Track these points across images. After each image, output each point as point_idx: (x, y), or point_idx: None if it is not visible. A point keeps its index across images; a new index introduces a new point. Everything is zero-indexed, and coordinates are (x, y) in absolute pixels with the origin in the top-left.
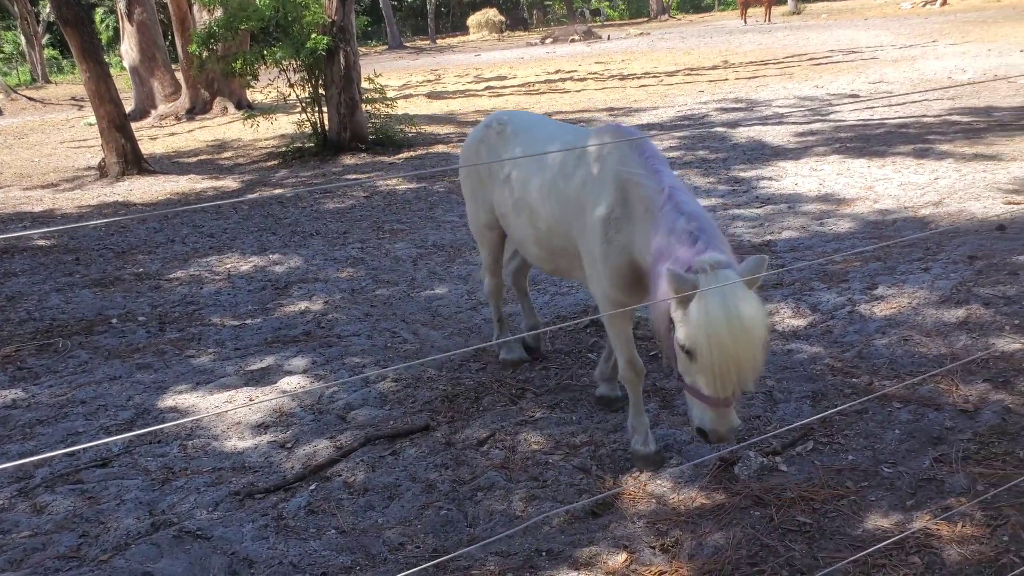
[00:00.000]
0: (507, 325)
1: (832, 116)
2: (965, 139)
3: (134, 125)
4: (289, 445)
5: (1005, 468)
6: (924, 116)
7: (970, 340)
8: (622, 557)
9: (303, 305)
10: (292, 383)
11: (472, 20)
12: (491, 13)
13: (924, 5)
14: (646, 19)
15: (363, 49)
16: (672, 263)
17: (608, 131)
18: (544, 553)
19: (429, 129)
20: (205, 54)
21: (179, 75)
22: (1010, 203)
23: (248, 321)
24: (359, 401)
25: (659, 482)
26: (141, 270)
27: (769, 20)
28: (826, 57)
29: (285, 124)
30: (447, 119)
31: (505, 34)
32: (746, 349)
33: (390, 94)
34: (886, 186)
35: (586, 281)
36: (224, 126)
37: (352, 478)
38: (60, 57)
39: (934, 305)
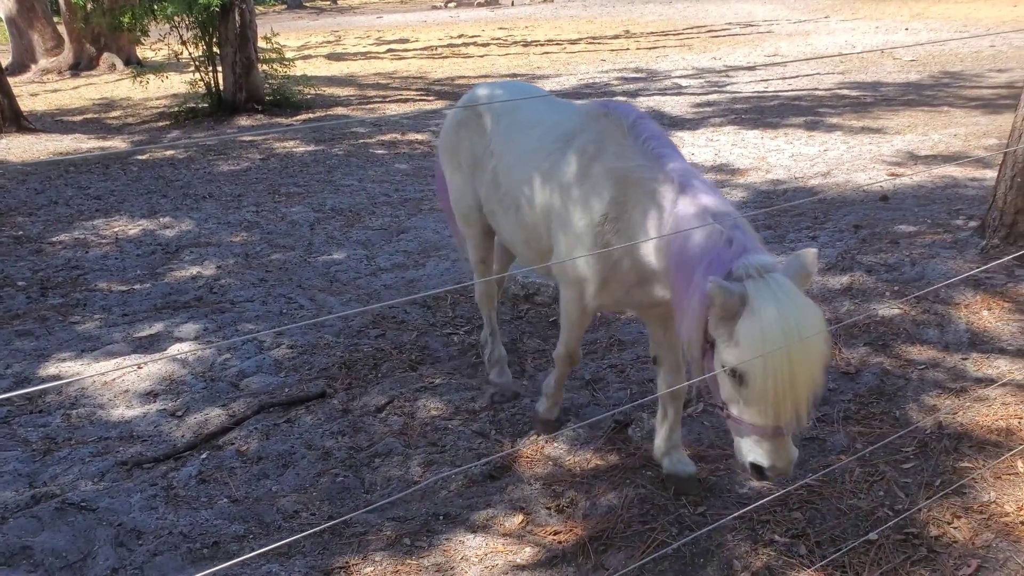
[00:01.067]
0: (500, 340)
1: (728, 88)
2: (853, 112)
3: (12, 80)
4: (180, 413)
5: (882, 427)
6: (816, 89)
7: (853, 305)
8: (518, 519)
9: (195, 270)
10: (183, 350)
11: None
12: None
13: None
14: None
15: (260, 8)
16: (707, 268)
17: (602, 111)
18: (442, 517)
19: (329, 91)
20: (90, 6)
21: (62, 28)
22: (893, 174)
23: (137, 286)
24: (253, 368)
25: (556, 445)
26: (21, 233)
27: None
28: (724, 29)
29: (177, 83)
30: (347, 81)
31: None
32: (806, 369)
33: (288, 55)
34: (778, 157)
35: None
36: (112, 84)
37: (245, 446)
38: None
39: (820, 272)
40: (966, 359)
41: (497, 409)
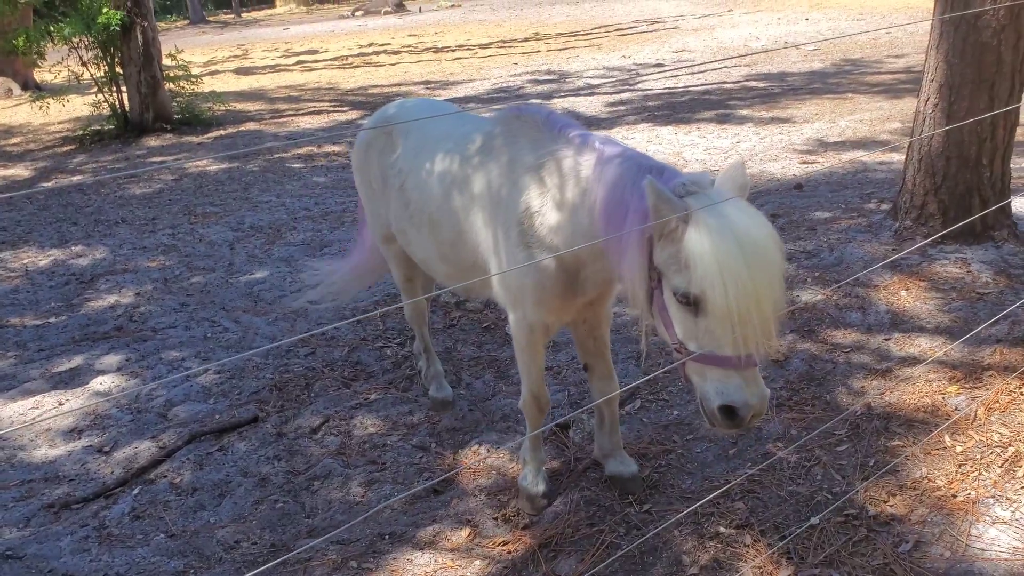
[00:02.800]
0: (435, 355)
1: (640, 85)
2: (762, 104)
3: None
4: (107, 449)
5: (814, 411)
6: (724, 83)
7: None
8: (465, 532)
9: (112, 299)
10: (105, 383)
11: None
12: None
13: None
14: None
15: (163, 24)
16: (641, 200)
17: (514, 114)
18: (387, 537)
19: (239, 107)
20: None
21: None
22: (805, 163)
23: (52, 319)
24: (180, 397)
25: (499, 453)
26: None
27: None
28: (631, 28)
29: (80, 106)
30: (257, 95)
31: (314, 7)
32: (767, 280)
33: (195, 71)
34: (693, 151)
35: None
36: (9, 109)
37: (179, 478)
38: None
39: None
40: (889, 340)
41: (436, 420)
